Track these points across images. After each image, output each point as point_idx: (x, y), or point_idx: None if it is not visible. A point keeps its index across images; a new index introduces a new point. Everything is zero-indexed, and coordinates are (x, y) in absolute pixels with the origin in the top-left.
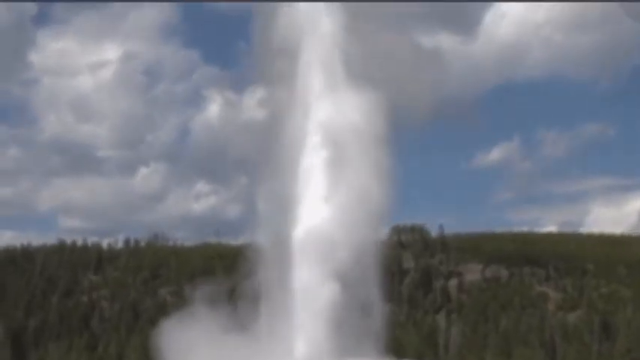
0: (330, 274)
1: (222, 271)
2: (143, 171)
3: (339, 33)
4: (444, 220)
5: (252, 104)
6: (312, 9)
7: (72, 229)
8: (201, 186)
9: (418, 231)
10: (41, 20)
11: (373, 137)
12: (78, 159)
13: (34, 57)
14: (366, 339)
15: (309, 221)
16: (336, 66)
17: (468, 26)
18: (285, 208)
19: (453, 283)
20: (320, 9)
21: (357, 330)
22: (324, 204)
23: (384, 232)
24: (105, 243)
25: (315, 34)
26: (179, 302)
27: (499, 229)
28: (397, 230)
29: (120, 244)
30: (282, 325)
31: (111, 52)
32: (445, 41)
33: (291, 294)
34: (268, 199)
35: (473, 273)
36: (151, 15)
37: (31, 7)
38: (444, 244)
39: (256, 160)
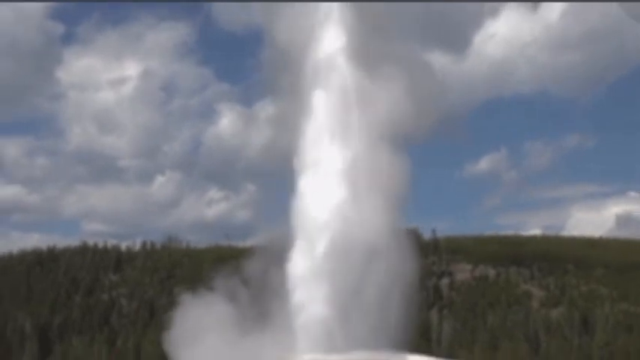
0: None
1: (232, 270)
2: (160, 179)
3: (348, 40)
4: (437, 224)
5: (261, 116)
6: (321, 18)
7: (94, 233)
8: (213, 193)
9: (412, 234)
10: (67, 40)
11: (384, 137)
12: (100, 168)
13: (61, 73)
14: (379, 334)
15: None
16: (344, 70)
17: (459, 46)
18: (292, 208)
19: (445, 282)
20: (330, 19)
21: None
22: (332, 201)
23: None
24: (124, 245)
25: (323, 49)
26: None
27: (487, 232)
28: None
29: (137, 247)
30: (286, 320)
31: (131, 69)
32: (439, 60)
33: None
34: (275, 201)
35: (463, 273)
36: (168, 35)
37: (59, 28)
38: (437, 246)
39: (265, 165)
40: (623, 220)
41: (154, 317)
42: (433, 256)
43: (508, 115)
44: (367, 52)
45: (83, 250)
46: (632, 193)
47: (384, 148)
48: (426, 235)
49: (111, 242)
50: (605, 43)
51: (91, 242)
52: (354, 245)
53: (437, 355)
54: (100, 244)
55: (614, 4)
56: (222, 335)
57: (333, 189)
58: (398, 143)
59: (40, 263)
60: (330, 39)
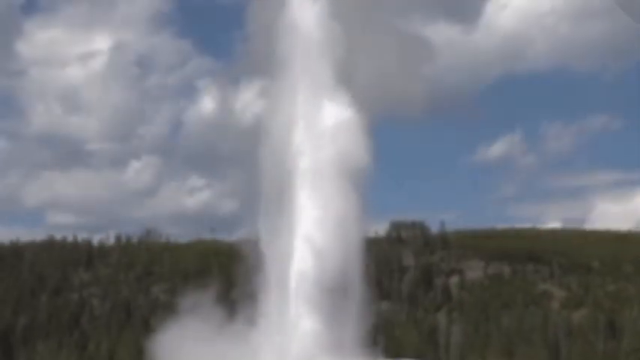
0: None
1: (217, 268)
2: (135, 165)
3: (324, 27)
4: (445, 216)
5: (247, 97)
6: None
7: (61, 225)
8: (195, 180)
9: (419, 227)
10: (29, 9)
11: (353, 141)
12: (67, 152)
13: (22, 47)
14: (358, 336)
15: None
16: (322, 66)
17: (468, 16)
18: (275, 209)
19: (454, 280)
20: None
21: (350, 326)
22: (307, 208)
23: (373, 229)
24: (96, 239)
25: (300, 31)
26: (172, 300)
27: (501, 225)
28: (397, 226)
29: (111, 240)
30: (277, 322)
31: (101, 42)
32: (445, 32)
33: (286, 290)
34: (260, 198)
35: (474, 270)
36: (142, 3)
37: None
38: (445, 240)
39: (248, 160)
40: None
41: (130, 319)
42: (441, 252)
43: (524, 93)
44: (350, 23)
45: (50, 244)
46: None
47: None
48: (434, 229)
49: (81, 235)
50: (633, 12)
51: (58, 236)
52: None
53: None
54: (69, 238)
55: None
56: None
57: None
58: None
59: (2, 259)
60: (308, 21)
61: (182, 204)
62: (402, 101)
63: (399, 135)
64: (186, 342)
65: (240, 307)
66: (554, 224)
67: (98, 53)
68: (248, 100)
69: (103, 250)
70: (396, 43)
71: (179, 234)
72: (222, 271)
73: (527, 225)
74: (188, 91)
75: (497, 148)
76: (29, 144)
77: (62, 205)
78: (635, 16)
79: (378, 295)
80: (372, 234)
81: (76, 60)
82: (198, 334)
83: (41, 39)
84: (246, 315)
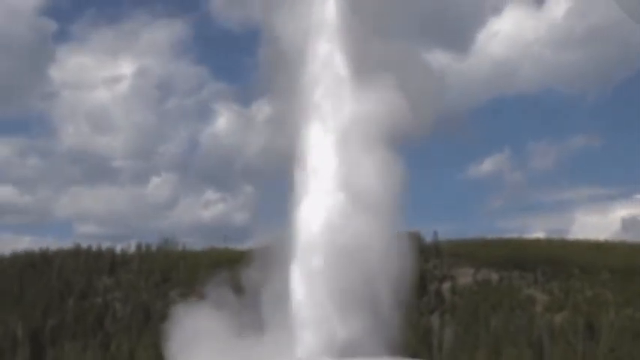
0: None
1: (230, 274)
2: (155, 180)
3: (345, 38)
4: (439, 227)
5: (259, 117)
6: (317, 17)
7: (87, 235)
8: (210, 194)
9: (414, 237)
10: (61, 37)
11: (380, 139)
12: (94, 169)
13: (54, 72)
14: (375, 339)
15: (313, 228)
16: (341, 69)
17: (461, 44)
18: (290, 212)
19: (447, 286)
20: (327, 17)
21: (366, 330)
22: (331, 205)
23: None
24: (118, 248)
25: (322, 41)
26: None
27: (490, 235)
28: None
29: (132, 249)
30: (284, 326)
31: (126, 68)
32: (441, 59)
33: (292, 304)
34: (273, 204)
35: (465, 277)
36: (163, 33)
37: (52, 25)
38: (438, 249)
39: (263, 167)
40: (629, 224)
41: (149, 321)
42: (435, 259)
43: (512, 115)
44: (363, 53)
45: (76, 252)
46: (639, 196)
47: (380, 151)
48: (428, 239)
49: (105, 245)
50: (612, 40)
51: (84, 245)
52: (351, 250)
53: None
54: (94, 247)
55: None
56: (218, 344)
57: (331, 195)
58: (394, 145)
59: (33, 266)
60: (326, 40)
61: (198, 216)
62: (413, 124)
63: (398, 151)
64: (201, 342)
65: (249, 312)
66: (538, 234)
67: (123, 78)
68: (260, 120)
69: (124, 258)
70: (415, 64)
71: (194, 243)
72: (234, 278)
73: (513, 235)
74: (204, 113)
75: (487, 165)
76: (60, 161)
77: (89, 217)
78: (635, 17)
79: None
80: None
81: (103, 84)
82: (213, 334)
83: (72, 64)
84: (257, 318)
